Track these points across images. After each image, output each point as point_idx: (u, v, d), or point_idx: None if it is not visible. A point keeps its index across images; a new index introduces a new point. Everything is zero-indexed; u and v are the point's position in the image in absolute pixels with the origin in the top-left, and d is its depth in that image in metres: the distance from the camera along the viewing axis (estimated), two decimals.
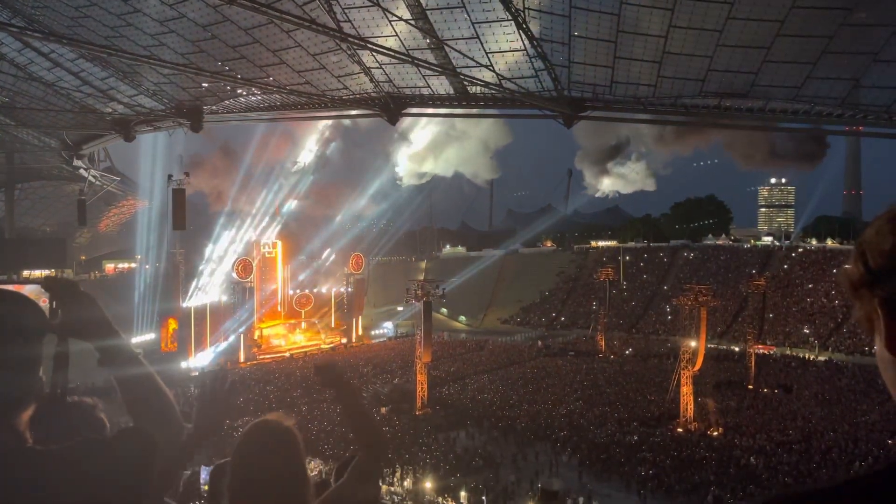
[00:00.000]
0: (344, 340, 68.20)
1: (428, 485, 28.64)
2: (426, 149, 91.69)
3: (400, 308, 74.71)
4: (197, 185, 64.26)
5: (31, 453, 1.56)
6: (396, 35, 21.77)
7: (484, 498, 27.52)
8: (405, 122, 53.29)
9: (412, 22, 20.71)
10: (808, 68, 18.69)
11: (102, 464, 1.56)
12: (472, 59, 21.78)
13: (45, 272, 57.21)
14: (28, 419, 1.63)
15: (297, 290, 69.06)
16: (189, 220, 36.42)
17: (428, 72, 23.43)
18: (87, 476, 1.52)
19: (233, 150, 74.63)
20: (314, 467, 29.01)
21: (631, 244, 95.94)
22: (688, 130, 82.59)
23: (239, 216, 68.61)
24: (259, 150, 70.18)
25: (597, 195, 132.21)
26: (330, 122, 67.58)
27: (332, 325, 69.61)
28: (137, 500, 1.61)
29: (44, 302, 1.77)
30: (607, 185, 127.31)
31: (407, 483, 29.57)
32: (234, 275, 62.51)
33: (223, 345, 60.61)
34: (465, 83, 23.80)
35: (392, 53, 20.54)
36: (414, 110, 27.53)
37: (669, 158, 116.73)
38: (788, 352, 60.26)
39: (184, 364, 54.96)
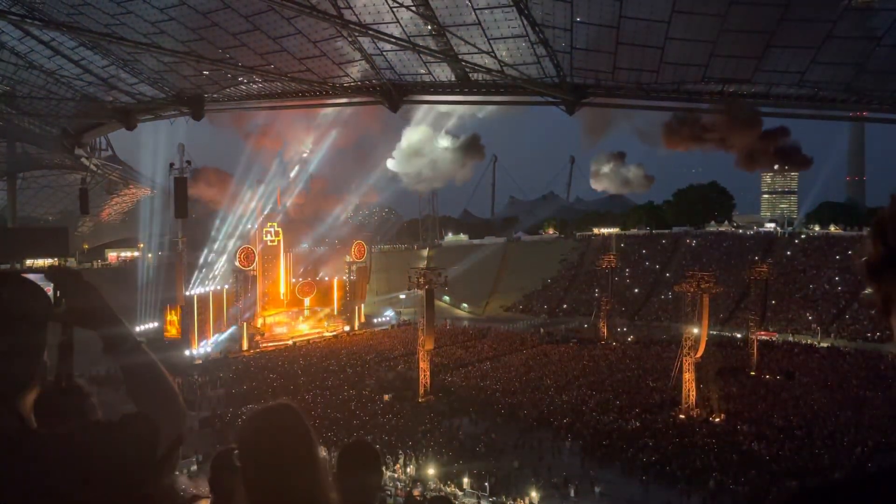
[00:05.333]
0: (347, 328, 68.38)
1: (431, 471, 28.80)
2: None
3: (402, 296, 74.87)
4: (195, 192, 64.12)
5: (35, 437, 1.58)
6: (398, 21, 21.65)
7: (487, 484, 27.66)
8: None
9: (413, 8, 20.59)
10: (812, 53, 18.57)
11: (106, 448, 1.57)
12: (474, 45, 21.67)
13: (48, 261, 57.33)
14: (32, 404, 1.65)
15: (300, 279, 69.16)
16: (191, 209, 36.45)
17: (429, 58, 23.33)
18: (91, 460, 1.53)
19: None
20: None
21: (633, 231, 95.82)
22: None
23: (240, 208, 68.76)
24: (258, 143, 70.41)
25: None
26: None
27: (335, 313, 69.75)
28: (139, 485, 1.62)
29: (48, 291, 1.78)
30: (604, 186, 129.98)
31: (410, 470, 29.74)
32: (237, 263, 62.59)
33: (226, 333, 60.81)
34: (467, 70, 23.70)
35: (393, 40, 20.47)
36: (416, 97, 27.44)
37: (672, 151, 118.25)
38: (791, 338, 60.29)
39: (186, 352, 55.15)
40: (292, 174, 74.93)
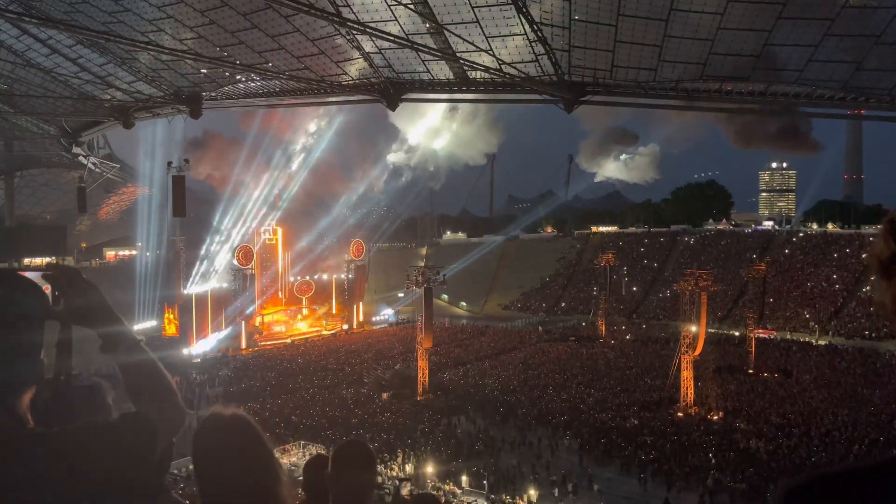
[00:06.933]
0: (345, 327, 68.36)
1: (429, 469, 28.82)
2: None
3: (401, 294, 74.90)
4: (198, 172, 64.08)
5: (32, 436, 1.57)
6: (396, 20, 21.60)
7: (485, 482, 27.69)
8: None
9: (412, 6, 20.55)
10: (809, 51, 18.57)
11: (103, 447, 1.57)
12: (472, 43, 21.62)
13: (46, 260, 57.23)
14: (28, 402, 1.65)
15: (298, 277, 69.14)
16: (190, 208, 36.42)
17: (428, 57, 23.28)
18: (87, 459, 1.53)
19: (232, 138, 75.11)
20: (316, 452, 29.18)
21: (631, 229, 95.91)
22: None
23: (241, 200, 68.73)
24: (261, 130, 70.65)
25: (598, 180, 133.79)
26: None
27: (333, 312, 69.77)
28: (136, 485, 1.62)
29: (46, 289, 1.77)
30: (612, 170, 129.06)
31: (408, 468, 29.76)
32: (235, 262, 62.56)
33: (224, 332, 60.81)
34: (465, 68, 23.66)
35: (391, 38, 20.42)
36: (414, 96, 27.38)
37: (676, 137, 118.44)
38: (789, 336, 60.42)
39: (185, 351, 55.14)
40: (296, 164, 75.02)
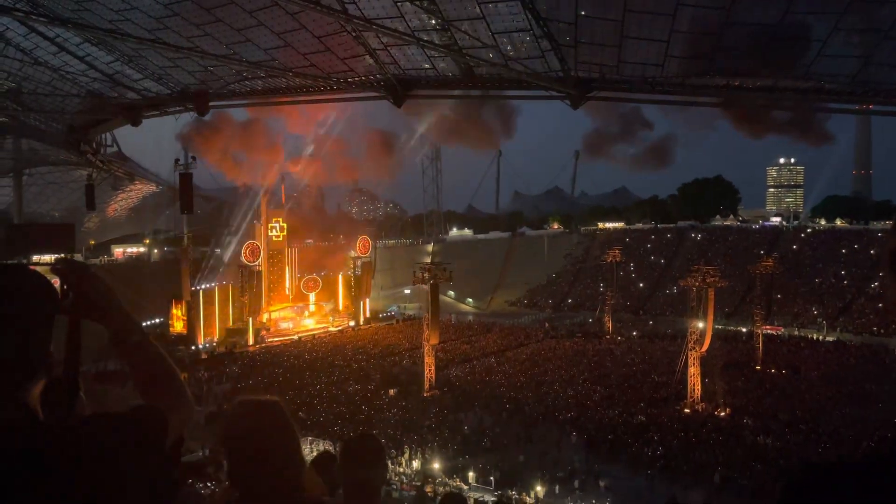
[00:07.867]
0: (352, 323, 68.45)
1: (436, 466, 28.88)
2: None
3: (407, 291, 74.93)
4: (208, 158, 63.48)
5: (42, 429, 1.59)
6: (402, 16, 21.60)
7: (492, 478, 27.72)
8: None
9: (417, 3, 20.55)
10: (818, 46, 18.47)
11: (114, 440, 1.58)
12: (478, 39, 21.61)
13: (55, 257, 57.47)
14: (39, 396, 1.66)
15: (305, 274, 69.24)
16: (197, 205, 36.49)
17: (433, 53, 23.28)
18: (98, 452, 1.54)
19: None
20: (324, 448, 29.25)
21: (638, 225, 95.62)
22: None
23: (248, 194, 68.71)
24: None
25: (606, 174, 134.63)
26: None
27: (340, 308, 69.86)
28: (147, 478, 1.63)
29: (55, 283, 1.79)
30: (622, 161, 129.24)
31: (415, 464, 29.83)
32: (243, 258, 62.72)
33: (231, 328, 60.96)
34: (471, 64, 23.65)
35: (397, 35, 20.43)
36: (420, 92, 27.39)
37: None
38: (796, 332, 60.16)
39: (192, 347, 55.36)
40: (302, 158, 75.00)
